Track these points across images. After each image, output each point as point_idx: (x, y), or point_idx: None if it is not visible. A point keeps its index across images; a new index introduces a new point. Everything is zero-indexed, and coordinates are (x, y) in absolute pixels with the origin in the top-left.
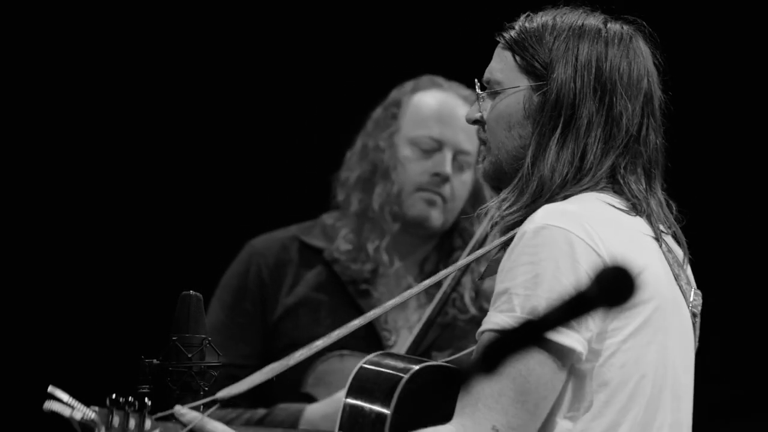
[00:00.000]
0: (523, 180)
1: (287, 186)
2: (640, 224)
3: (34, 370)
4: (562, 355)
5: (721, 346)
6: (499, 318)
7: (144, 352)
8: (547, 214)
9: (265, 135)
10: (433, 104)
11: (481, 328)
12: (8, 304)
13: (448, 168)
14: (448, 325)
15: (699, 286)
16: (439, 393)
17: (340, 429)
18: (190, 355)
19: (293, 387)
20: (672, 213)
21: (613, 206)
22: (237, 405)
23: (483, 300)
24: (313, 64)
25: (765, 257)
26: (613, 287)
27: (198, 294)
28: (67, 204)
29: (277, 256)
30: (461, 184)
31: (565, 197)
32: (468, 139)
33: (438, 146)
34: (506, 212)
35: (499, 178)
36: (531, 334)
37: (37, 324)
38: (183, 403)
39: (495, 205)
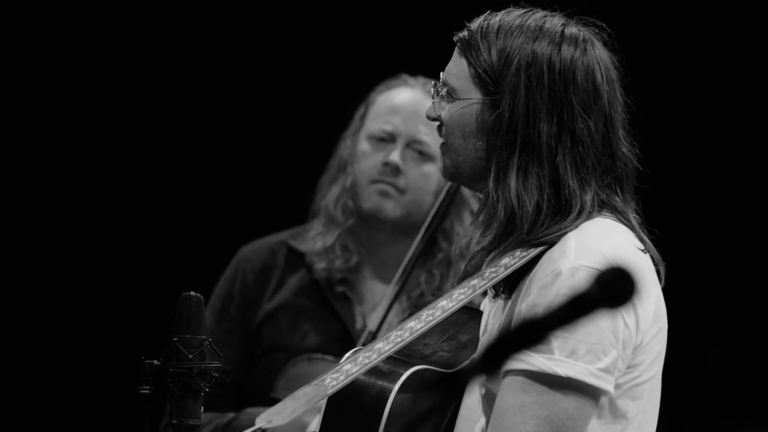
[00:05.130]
0: (490, 207)
1: (287, 188)
2: (646, 257)
3: (36, 371)
4: (597, 397)
5: (721, 349)
6: (537, 360)
7: (145, 353)
8: (581, 252)
9: (269, 136)
10: (393, 99)
11: (514, 366)
12: (9, 305)
13: (394, 157)
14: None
15: (692, 289)
16: (429, 397)
17: None
18: (190, 356)
19: (266, 391)
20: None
21: (628, 239)
22: (221, 408)
23: None
24: (316, 64)
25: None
26: (613, 289)
27: (199, 295)
28: (68, 206)
29: (263, 262)
30: (421, 176)
31: (566, 231)
32: (427, 131)
33: (391, 138)
34: (478, 246)
35: (457, 179)
36: (532, 336)
37: (39, 325)
38: (184, 405)
39: (465, 239)
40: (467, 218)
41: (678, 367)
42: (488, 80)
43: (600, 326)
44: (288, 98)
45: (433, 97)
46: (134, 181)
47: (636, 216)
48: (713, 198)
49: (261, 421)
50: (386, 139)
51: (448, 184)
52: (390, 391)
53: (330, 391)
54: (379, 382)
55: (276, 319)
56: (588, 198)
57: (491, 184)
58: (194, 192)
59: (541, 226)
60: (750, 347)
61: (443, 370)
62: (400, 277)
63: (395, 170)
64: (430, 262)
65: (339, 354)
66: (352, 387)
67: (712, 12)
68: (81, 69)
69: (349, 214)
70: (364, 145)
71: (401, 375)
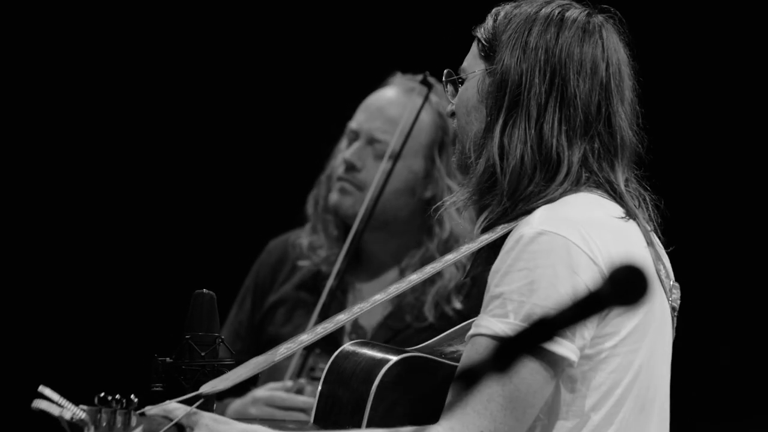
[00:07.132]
0: (473, 161)
1: (301, 186)
2: (632, 227)
3: (48, 369)
4: (555, 364)
5: (730, 348)
6: (491, 323)
7: (157, 350)
8: (545, 219)
9: (282, 134)
10: (369, 98)
11: (473, 332)
12: (22, 304)
13: (347, 154)
14: (400, 330)
15: (691, 283)
16: (420, 384)
17: (315, 420)
18: (203, 354)
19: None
20: (648, 202)
21: (608, 211)
22: (222, 398)
23: (445, 305)
24: (335, 64)
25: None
26: (625, 287)
27: (211, 292)
28: (81, 203)
29: (279, 255)
30: (379, 173)
31: (550, 199)
32: (385, 130)
33: (355, 135)
34: (454, 198)
35: (466, 166)
36: (541, 334)
37: (51, 323)
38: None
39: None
40: (446, 221)
41: (683, 367)
42: (491, 51)
43: (559, 290)
44: (300, 98)
45: (446, 91)
46: (147, 179)
47: (641, 192)
48: (723, 197)
49: (206, 388)
50: (354, 137)
51: (379, 175)
52: (386, 362)
53: (278, 358)
54: (381, 354)
55: (274, 312)
56: (575, 159)
57: (476, 137)
58: (207, 190)
59: (527, 184)
60: (756, 346)
61: (449, 362)
62: (340, 267)
63: (350, 167)
64: (416, 264)
65: (326, 348)
66: (352, 359)
67: (714, 10)
68: (89, 69)
69: (322, 211)
70: (343, 143)
71: (401, 353)
